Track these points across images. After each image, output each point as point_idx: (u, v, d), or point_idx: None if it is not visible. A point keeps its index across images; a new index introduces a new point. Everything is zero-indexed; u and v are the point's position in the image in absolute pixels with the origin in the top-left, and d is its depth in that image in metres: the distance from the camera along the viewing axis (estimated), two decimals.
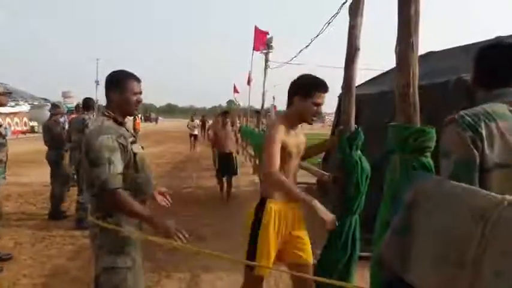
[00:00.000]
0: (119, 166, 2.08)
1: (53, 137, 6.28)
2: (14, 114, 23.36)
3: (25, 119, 25.25)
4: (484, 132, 1.39)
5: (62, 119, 6.70)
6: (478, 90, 1.64)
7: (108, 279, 2.19)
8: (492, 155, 1.39)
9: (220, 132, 7.88)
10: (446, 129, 1.47)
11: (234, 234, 4.45)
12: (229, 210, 7.02)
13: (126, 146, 2.15)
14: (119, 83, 2.24)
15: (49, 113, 6.67)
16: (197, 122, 18.15)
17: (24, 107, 26.21)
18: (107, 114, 2.22)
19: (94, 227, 2.19)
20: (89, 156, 2.08)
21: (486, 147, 1.39)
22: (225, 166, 7.81)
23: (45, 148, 6.38)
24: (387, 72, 7.41)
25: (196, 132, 19.06)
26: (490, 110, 1.45)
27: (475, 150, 1.38)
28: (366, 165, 2.60)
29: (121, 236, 2.18)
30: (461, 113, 1.46)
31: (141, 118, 32.03)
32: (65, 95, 34.08)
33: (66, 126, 6.92)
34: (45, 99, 31.52)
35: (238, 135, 11.29)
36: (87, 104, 6.14)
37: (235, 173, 7.90)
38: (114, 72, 2.30)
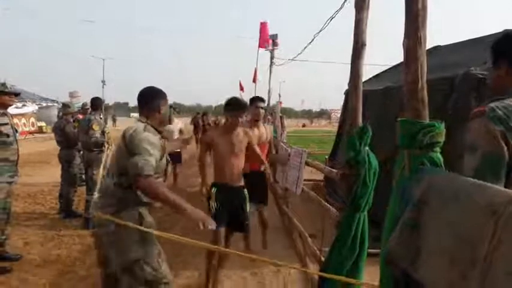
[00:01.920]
0: (154, 160, 2.32)
1: (65, 137, 6.33)
2: (22, 115, 23.48)
3: (32, 120, 25.38)
4: None
5: (73, 118, 6.74)
6: (505, 84, 1.57)
7: (143, 270, 2.29)
8: None
9: (220, 147, 3.70)
10: (474, 122, 1.40)
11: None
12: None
13: (163, 147, 2.50)
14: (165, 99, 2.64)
15: (57, 113, 6.73)
16: (179, 123, 7.97)
17: (32, 108, 26.34)
18: (147, 122, 2.50)
19: (107, 224, 2.26)
20: (130, 146, 2.32)
21: None
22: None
23: (53, 148, 6.45)
24: (392, 67, 7.36)
25: (177, 147, 6.65)
26: None
27: (504, 146, 1.32)
28: (374, 161, 2.58)
29: (147, 225, 2.33)
30: (492, 105, 1.40)
31: None
32: (71, 95, 34.23)
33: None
34: (53, 100, 31.70)
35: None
36: (95, 103, 6.15)
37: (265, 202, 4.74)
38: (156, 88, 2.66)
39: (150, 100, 2.58)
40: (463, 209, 1.18)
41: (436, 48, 6.35)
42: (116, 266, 2.32)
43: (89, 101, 6.77)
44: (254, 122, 4.52)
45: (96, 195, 5.78)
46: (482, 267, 1.07)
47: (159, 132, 2.56)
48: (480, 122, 1.38)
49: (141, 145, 2.29)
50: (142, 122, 2.49)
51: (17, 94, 4.48)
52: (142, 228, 2.26)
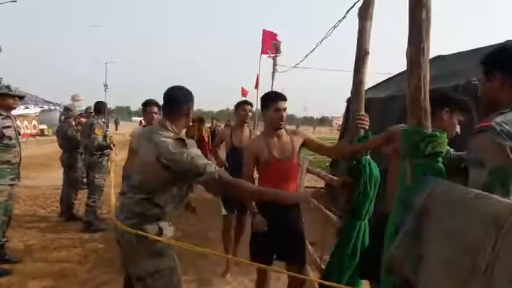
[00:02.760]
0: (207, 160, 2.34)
1: (67, 140, 6.36)
2: (24, 117, 23.54)
3: (34, 122, 25.43)
4: None
5: (75, 122, 6.78)
6: (501, 97, 1.56)
7: (154, 282, 2.25)
8: None
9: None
10: (480, 137, 1.41)
11: (244, 240, 4.43)
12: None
13: None
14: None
15: (59, 116, 6.76)
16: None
17: (34, 110, 26.42)
18: (173, 129, 2.34)
19: (129, 234, 2.22)
20: (174, 165, 2.20)
21: None
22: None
23: (54, 151, 6.48)
24: (394, 76, 7.38)
25: None
26: None
27: None
28: (375, 170, 2.59)
29: (166, 238, 2.28)
30: (498, 120, 1.40)
31: None
32: (74, 98, 34.32)
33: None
34: (55, 103, 31.80)
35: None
36: (98, 107, 6.17)
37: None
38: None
39: (181, 102, 2.38)
40: (465, 218, 1.19)
41: (439, 57, 6.36)
42: (132, 274, 2.33)
43: (91, 105, 6.81)
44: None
45: (97, 204, 5.82)
46: (484, 276, 1.07)
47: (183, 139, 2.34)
48: (487, 136, 1.37)
49: (197, 162, 2.18)
50: (167, 129, 2.31)
51: (21, 97, 4.50)
52: (158, 238, 2.23)
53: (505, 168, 1.32)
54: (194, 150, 2.25)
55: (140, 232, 2.18)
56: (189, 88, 2.45)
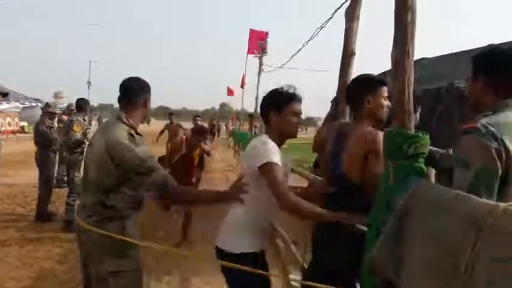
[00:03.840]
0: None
1: (40, 137, 6.23)
2: (6, 114, 23.07)
3: (16, 119, 24.94)
4: (508, 143, 1.35)
5: (53, 119, 6.61)
6: (483, 99, 1.60)
7: (116, 282, 2.18)
8: None
9: None
10: (466, 138, 1.42)
11: None
12: (219, 215, 6.97)
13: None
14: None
15: (40, 113, 6.61)
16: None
17: (15, 107, 25.91)
18: (129, 122, 2.27)
19: (91, 232, 2.17)
20: (125, 165, 2.16)
21: (511, 159, 1.34)
22: None
23: (34, 148, 6.35)
24: (381, 75, 7.44)
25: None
26: (509, 120, 1.42)
27: (498, 162, 1.33)
28: None
29: (128, 237, 2.21)
30: (483, 121, 1.41)
31: None
32: (56, 96, 33.80)
33: (56, 127, 6.85)
34: (37, 100, 31.23)
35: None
36: (79, 104, 6.06)
37: None
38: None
39: (137, 93, 2.32)
40: (445, 219, 1.20)
41: (422, 59, 6.44)
42: (93, 274, 2.25)
43: (73, 102, 6.69)
44: None
45: (77, 202, 5.70)
46: (464, 277, 1.08)
47: (137, 133, 2.28)
48: (473, 138, 1.38)
49: (146, 162, 2.13)
50: (124, 122, 2.25)
51: (5, 94, 4.40)
52: (124, 238, 2.16)
53: (490, 169, 1.34)
54: (145, 148, 2.19)
55: (104, 232, 2.12)
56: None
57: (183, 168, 5.10)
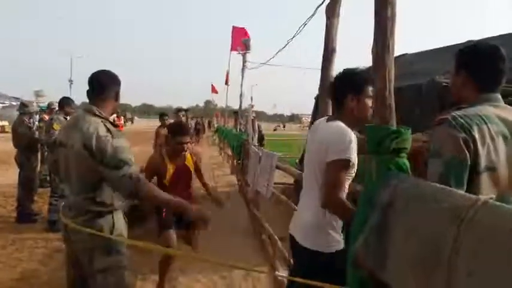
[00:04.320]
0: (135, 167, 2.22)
1: (20, 139, 6.10)
2: None
3: None
4: (476, 134, 1.40)
5: (31, 119, 6.45)
6: (463, 93, 1.65)
7: (105, 280, 2.17)
8: (483, 158, 1.40)
9: None
10: (437, 129, 1.47)
11: (214, 236, 4.42)
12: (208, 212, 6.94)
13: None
14: None
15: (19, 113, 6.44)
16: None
17: None
18: (101, 114, 2.24)
19: (80, 231, 2.13)
20: (101, 157, 2.09)
21: (479, 150, 1.39)
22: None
23: (14, 149, 6.22)
24: None
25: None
26: (481, 113, 1.46)
27: (467, 152, 1.38)
28: None
29: (116, 235, 2.20)
30: (454, 113, 1.46)
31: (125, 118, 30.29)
32: (37, 94, 33.27)
33: (35, 126, 6.71)
34: (17, 98, 30.64)
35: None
36: (61, 103, 5.95)
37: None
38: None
39: (108, 86, 2.31)
40: (428, 213, 1.21)
41: (403, 55, 6.52)
42: (82, 274, 2.25)
43: (53, 101, 6.56)
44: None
45: (60, 202, 5.60)
46: (446, 270, 1.10)
47: (112, 124, 2.25)
48: (443, 129, 1.45)
49: (120, 155, 2.08)
50: (96, 115, 2.21)
51: None
52: (113, 237, 2.16)
53: (459, 159, 1.39)
54: (121, 141, 2.15)
55: (94, 231, 2.10)
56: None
57: (181, 183, 3.87)
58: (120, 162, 2.07)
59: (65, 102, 5.95)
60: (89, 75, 2.30)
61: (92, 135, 2.09)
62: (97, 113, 2.22)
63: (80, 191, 2.18)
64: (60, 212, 2.30)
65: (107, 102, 2.30)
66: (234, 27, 12.40)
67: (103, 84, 2.30)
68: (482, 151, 1.40)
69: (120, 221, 2.26)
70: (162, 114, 8.78)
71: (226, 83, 18.49)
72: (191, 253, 4.18)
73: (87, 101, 2.32)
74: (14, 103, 29.13)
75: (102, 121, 2.19)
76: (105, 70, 2.36)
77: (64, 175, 2.27)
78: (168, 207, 2.48)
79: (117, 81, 2.37)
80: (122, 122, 19.83)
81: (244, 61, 10.56)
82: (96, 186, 2.16)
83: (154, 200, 2.24)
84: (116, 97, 2.35)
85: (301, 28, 8.24)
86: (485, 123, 1.43)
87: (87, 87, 2.29)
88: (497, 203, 1.07)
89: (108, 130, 2.15)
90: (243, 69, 10.54)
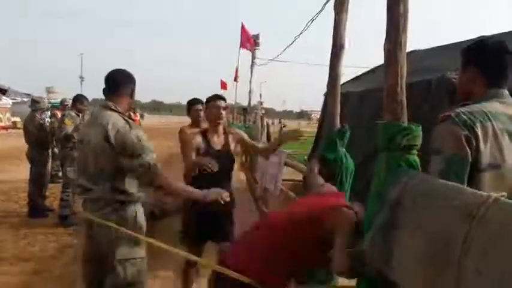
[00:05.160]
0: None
1: (28, 134, 6.17)
2: None
3: (8, 115, 24.69)
4: (479, 131, 1.38)
5: (42, 115, 6.51)
6: (471, 89, 1.63)
7: (125, 270, 2.24)
8: (486, 155, 1.38)
9: None
10: (440, 126, 1.46)
11: None
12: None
13: None
14: None
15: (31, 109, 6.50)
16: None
17: (7, 102, 25.65)
18: (117, 109, 2.33)
19: (104, 224, 2.21)
20: (122, 147, 2.19)
21: (481, 147, 1.38)
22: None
23: (26, 144, 6.29)
24: (371, 70, 7.46)
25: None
26: (486, 109, 1.44)
27: (468, 149, 1.37)
28: (350, 162, 2.61)
29: (138, 226, 2.30)
30: (458, 110, 1.45)
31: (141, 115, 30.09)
32: (49, 91, 33.55)
33: (47, 122, 6.78)
34: (28, 95, 30.96)
35: None
36: (73, 100, 6.00)
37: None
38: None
39: (124, 83, 2.41)
40: (438, 210, 1.21)
41: (413, 52, 6.46)
42: (103, 266, 2.29)
43: (68, 98, 6.61)
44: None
45: (78, 198, 5.65)
46: (457, 267, 1.09)
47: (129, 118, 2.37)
48: (446, 126, 1.43)
49: (139, 144, 2.19)
50: (113, 110, 2.31)
51: (4, 91, 4.35)
52: (133, 233, 2.23)
53: (459, 156, 1.38)
54: (139, 132, 2.25)
55: (114, 225, 2.18)
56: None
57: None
58: (139, 151, 2.18)
59: (78, 99, 5.99)
60: (106, 74, 2.41)
61: (111, 128, 2.19)
62: (113, 107, 2.31)
63: (101, 181, 2.25)
64: (81, 209, 2.37)
65: (122, 99, 2.38)
66: (243, 25, 12.41)
67: (118, 82, 2.40)
68: (484, 148, 1.38)
69: (140, 212, 2.34)
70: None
71: (236, 79, 18.48)
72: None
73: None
74: (25, 99, 29.43)
75: (119, 115, 2.29)
76: (120, 69, 2.47)
77: (85, 169, 2.33)
78: (183, 196, 2.53)
79: (132, 79, 2.46)
80: (138, 117, 19.98)
81: (253, 57, 10.59)
82: (117, 176, 2.24)
83: (168, 188, 2.33)
84: (131, 94, 2.44)
85: (309, 24, 8.21)
86: (490, 120, 1.42)
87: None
88: (509, 201, 1.06)
89: (127, 122, 2.25)
90: (252, 66, 10.56)
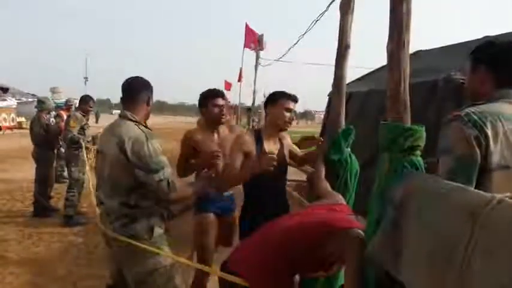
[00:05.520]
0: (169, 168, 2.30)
1: (34, 134, 6.21)
2: (1, 109, 22.99)
3: (12, 115, 24.84)
4: (489, 131, 1.38)
5: (48, 115, 6.56)
6: (481, 89, 1.62)
7: (155, 281, 2.20)
8: (496, 155, 1.38)
9: None
10: (450, 126, 1.45)
11: None
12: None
13: None
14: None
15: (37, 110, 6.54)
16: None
17: (12, 103, 25.80)
18: (135, 119, 2.31)
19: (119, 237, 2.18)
20: (137, 160, 2.16)
21: (491, 147, 1.37)
22: None
23: (31, 144, 6.34)
24: (376, 70, 7.44)
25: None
26: (496, 110, 1.44)
27: (477, 149, 1.36)
28: (356, 163, 2.60)
29: (157, 235, 2.25)
30: (468, 110, 1.44)
31: None
32: (53, 91, 33.67)
33: (52, 123, 6.82)
34: (33, 95, 31.09)
35: None
36: (79, 101, 6.03)
37: None
38: None
39: (140, 91, 2.39)
40: (443, 211, 1.20)
41: (418, 52, 6.43)
42: (130, 278, 2.25)
43: (73, 98, 6.65)
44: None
45: (76, 197, 5.71)
46: (460, 268, 1.09)
47: (145, 127, 2.33)
48: (455, 126, 1.43)
49: (156, 158, 2.16)
50: (130, 120, 2.29)
51: (5, 90, 4.39)
52: (147, 246, 2.18)
53: (469, 157, 1.37)
54: (155, 143, 2.21)
55: (133, 242, 2.15)
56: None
57: None
58: (156, 166, 2.15)
59: (83, 100, 6.02)
60: (122, 82, 2.41)
61: (128, 139, 2.16)
62: (131, 117, 2.30)
63: (114, 195, 2.23)
64: (99, 220, 2.35)
65: (139, 106, 2.37)
66: (247, 25, 12.40)
67: (135, 90, 2.39)
68: (494, 148, 1.38)
69: (158, 225, 2.28)
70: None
71: (239, 80, 18.48)
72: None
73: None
74: (30, 99, 29.57)
75: (136, 124, 2.26)
76: (137, 77, 2.45)
77: (102, 181, 2.32)
78: (191, 199, 2.58)
79: (148, 86, 2.44)
80: None
81: (257, 58, 10.58)
82: (131, 190, 2.20)
83: (182, 200, 2.36)
84: (148, 102, 2.42)
85: (313, 24, 8.20)
86: (500, 120, 1.41)
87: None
88: None
89: (143, 132, 2.22)
90: (256, 66, 10.56)
